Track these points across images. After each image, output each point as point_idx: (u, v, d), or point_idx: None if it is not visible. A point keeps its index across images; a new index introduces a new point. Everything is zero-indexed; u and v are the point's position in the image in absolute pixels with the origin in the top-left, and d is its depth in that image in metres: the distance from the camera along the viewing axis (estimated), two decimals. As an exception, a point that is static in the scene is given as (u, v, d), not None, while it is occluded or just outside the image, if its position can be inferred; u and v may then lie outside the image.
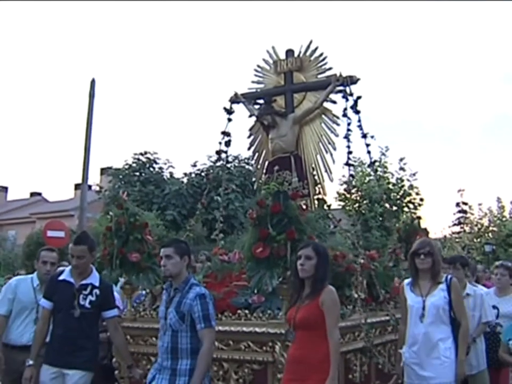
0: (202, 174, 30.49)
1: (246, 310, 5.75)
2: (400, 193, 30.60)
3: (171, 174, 33.75)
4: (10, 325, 5.79)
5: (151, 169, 33.01)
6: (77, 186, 42.24)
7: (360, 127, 7.47)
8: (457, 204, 43.09)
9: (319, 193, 7.88)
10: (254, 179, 23.33)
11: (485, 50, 72.56)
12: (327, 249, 4.76)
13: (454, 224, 43.08)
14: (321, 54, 8.09)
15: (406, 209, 30.33)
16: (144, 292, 7.83)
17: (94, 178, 37.95)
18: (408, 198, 30.81)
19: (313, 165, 7.86)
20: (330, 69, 8.00)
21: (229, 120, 8.30)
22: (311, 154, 7.89)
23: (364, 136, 7.49)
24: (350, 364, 5.94)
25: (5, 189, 54.39)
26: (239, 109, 8.35)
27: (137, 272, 6.40)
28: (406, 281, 5.41)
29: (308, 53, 8.18)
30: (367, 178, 30.29)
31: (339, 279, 6.54)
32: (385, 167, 30.77)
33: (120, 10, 79.64)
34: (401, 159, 31.15)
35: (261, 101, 8.19)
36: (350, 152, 7.44)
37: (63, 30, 76.65)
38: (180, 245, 4.86)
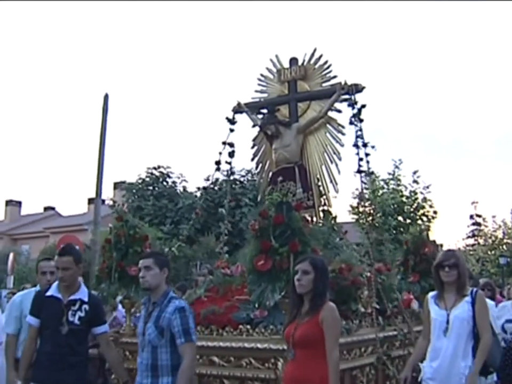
0: (216, 188, 30.47)
1: (248, 325, 5.57)
2: (414, 206, 30.37)
3: (184, 188, 33.71)
4: (22, 341, 5.55)
5: (165, 183, 33.03)
6: (90, 201, 42.47)
7: (361, 136, 7.27)
8: (471, 216, 42.82)
9: (325, 204, 7.67)
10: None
11: (500, 64, 72.22)
12: (327, 262, 4.53)
13: (468, 237, 42.81)
14: (325, 62, 7.92)
15: (419, 222, 30.08)
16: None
17: (108, 193, 38.05)
18: (421, 211, 30.53)
19: (318, 176, 7.68)
20: (335, 77, 7.84)
21: (231, 130, 8.13)
22: (316, 164, 7.70)
23: (365, 145, 7.28)
24: (356, 381, 5.72)
25: (19, 203, 54.46)
26: (243, 119, 8.18)
27: (136, 286, 6.20)
28: (431, 293, 5.16)
29: (312, 61, 8.02)
30: (380, 191, 30.06)
31: (344, 293, 6.36)
32: (399, 180, 30.62)
33: (131, 26, 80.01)
34: (414, 172, 30.93)
35: (265, 111, 8.02)
36: (361, 159, 7.23)
37: (77, 45, 77.04)
38: (160, 256, 4.69)
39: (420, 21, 75.78)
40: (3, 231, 47.91)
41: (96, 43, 76.81)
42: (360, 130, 7.27)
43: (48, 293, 5.05)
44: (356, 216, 29.08)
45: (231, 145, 8.07)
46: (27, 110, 75.97)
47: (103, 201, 27.94)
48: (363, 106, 7.39)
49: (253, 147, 8.40)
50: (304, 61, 8.06)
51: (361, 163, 7.20)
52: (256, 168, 8.40)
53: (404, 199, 30.09)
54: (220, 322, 5.80)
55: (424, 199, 30.66)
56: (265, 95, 8.36)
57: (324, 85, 7.91)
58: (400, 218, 28.39)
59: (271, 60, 8.38)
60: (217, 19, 75.25)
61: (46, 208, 53.93)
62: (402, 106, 76.48)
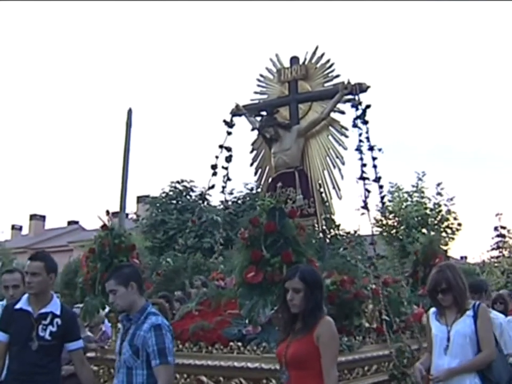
0: (239, 201, 30.31)
1: (239, 342, 5.11)
2: (438, 219, 29.96)
3: (208, 202, 33.56)
4: None
5: (188, 197, 32.91)
6: (113, 215, 42.35)
7: (367, 138, 6.82)
8: (496, 228, 42.11)
9: (328, 212, 7.22)
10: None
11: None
12: (318, 273, 4.06)
13: (493, 249, 42.11)
14: (328, 61, 7.48)
15: (444, 234, 29.72)
16: None
17: (131, 207, 38.10)
18: (446, 223, 30.12)
19: (320, 181, 7.20)
20: (338, 76, 7.39)
21: (229, 133, 7.69)
22: (318, 169, 7.24)
23: (371, 148, 6.82)
24: (359, 403, 5.28)
25: (43, 217, 54.83)
26: (243, 122, 7.76)
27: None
28: (432, 309, 4.72)
29: (313, 60, 7.59)
30: (404, 204, 29.63)
31: (347, 307, 5.94)
32: (423, 192, 30.18)
33: (150, 40, 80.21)
34: (438, 184, 30.48)
35: (264, 113, 7.58)
36: (364, 165, 6.78)
37: (102, 61, 77.29)
38: (121, 272, 4.19)
39: (442, 27, 75.15)
40: (27, 245, 48.04)
41: (120, 58, 76.99)
42: (366, 132, 6.83)
43: (17, 306, 4.62)
44: (379, 229, 29.08)
45: (228, 149, 7.63)
46: (52, 125, 76.42)
47: (127, 215, 27.95)
48: (368, 106, 6.95)
49: (252, 151, 7.96)
50: (305, 59, 7.64)
51: (364, 169, 6.75)
52: (255, 174, 7.92)
53: (427, 211, 29.58)
54: (209, 338, 5.37)
55: (448, 211, 30.25)
56: (264, 96, 7.93)
57: (326, 84, 7.47)
58: (424, 230, 27.59)
59: (271, 60, 7.96)
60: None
61: (69, 222, 54.29)
62: (423, 117, 75.79)
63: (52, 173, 78.02)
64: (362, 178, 6.72)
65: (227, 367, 4.93)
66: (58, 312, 4.58)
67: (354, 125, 6.89)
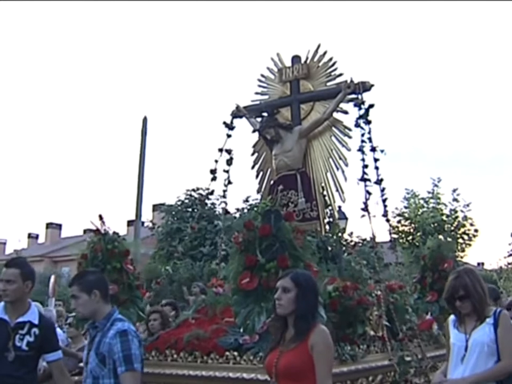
0: (255, 209, 30.16)
1: (235, 352, 4.87)
2: (454, 225, 29.74)
3: (223, 209, 33.33)
4: None
5: (204, 205, 32.84)
6: (129, 223, 42.54)
7: (370, 139, 6.57)
8: (512, 234, 41.83)
9: (330, 216, 6.96)
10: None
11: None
12: (313, 278, 3.79)
13: (510, 255, 41.91)
14: (330, 59, 7.20)
15: (460, 240, 29.48)
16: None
17: (147, 215, 38.05)
18: (462, 229, 29.93)
19: (323, 184, 6.93)
20: (340, 75, 7.12)
21: (228, 136, 7.46)
22: (320, 171, 6.96)
23: (373, 149, 6.57)
24: (362, 416, 5.05)
25: (59, 226, 54.98)
26: (244, 124, 7.52)
27: (116, 306, 5.58)
28: (452, 316, 4.43)
29: (315, 59, 7.32)
30: (420, 210, 29.51)
31: (350, 314, 5.70)
32: (439, 198, 30.05)
33: (162, 48, 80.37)
34: (454, 190, 30.34)
35: (266, 114, 7.32)
36: (365, 166, 6.54)
37: (117, 69, 77.57)
38: (85, 279, 3.98)
39: (462, 29, 74.66)
40: (44, 254, 48.17)
41: (136, 65, 77.17)
42: (369, 133, 6.58)
43: None
44: (395, 236, 28.94)
45: (229, 152, 7.39)
46: (68, 133, 76.76)
47: (143, 223, 27.94)
48: (371, 106, 6.69)
49: (253, 154, 7.71)
50: (307, 58, 7.38)
51: (366, 170, 6.49)
52: (257, 177, 7.64)
53: (444, 217, 29.59)
54: (204, 348, 5.13)
55: (465, 218, 30.19)
56: (266, 97, 7.67)
57: (328, 84, 7.20)
58: (440, 237, 27.42)
59: (272, 59, 7.70)
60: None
61: (85, 231, 54.28)
62: (439, 123, 75.22)
63: (68, 182, 78.32)
64: (363, 179, 6.47)
65: (222, 377, 4.72)
66: (36, 322, 4.36)
67: (357, 125, 6.65)
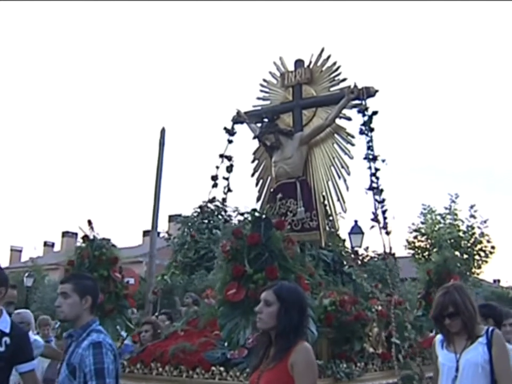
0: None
1: (222, 367, 4.60)
2: (471, 241, 29.41)
3: (239, 221, 33.17)
4: None
5: (220, 216, 32.70)
6: (145, 233, 42.58)
7: (371, 147, 6.29)
8: (529, 252, 41.28)
9: (332, 227, 6.68)
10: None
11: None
12: (301, 292, 3.49)
13: (526, 272, 41.48)
14: (334, 63, 6.95)
15: (477, 257, 29.15)
16: (130, 343, 6.75)
17: (163, 225, 37.97)
18: (479, 246, 29.56)
19: (324, 193, 6.64)
20: (344, 80, 6.86)
21: (229, 142, 7.24)
22: (322, 180, 6.68)
23: (374, 159, 6.29)
24: None
25: (75, 234, 55.03)
26: (246, 130, 7.28)
27: (101, 316, 5.34)
28: (439, 336, 4.14)
29: (319, 63, 7.07)
30: (437, 226, 29.15)
31: (347, 330, 5.42)
32: (456, 214, 29.68)
33: (180, 58, 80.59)
34: (471, 206, 30.01)
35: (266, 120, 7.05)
36: (373, 174, 6.27)
37: (135, 80, 77.86)
38: (82, 281, 3.77)
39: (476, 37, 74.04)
40: (59, 262, 48.32)
41: (155, 77, 77.50)
42: (371, 141, 6.30)
43: None
44: (411, 251, 28.72)
45: (229, 158, 7.15)
46: (84, 143, 77.06)
47: (158, 233, 27.89)
48: (374, 113, 6.43)
49: (253, 161, 7.45)
50: (310, 62, 7.13)
51: (373, 178, 6.21)
52: (257, 185, 7.37)
53: (460, 233, 29.16)
54: (190, 362, 4.88)
55: (482, 234, 29.80)
56: (267, 102, 7.43)
57: (332, 89, 6.94)
58: (457, 253, 26.85)
59: (275, 63, 7.46)
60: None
61: (101, 240, 54.55)
62: (457, 139, 74.53)
63: (84, 191, 78.59)
64: (371, 188, 6.18)
65: (207, 394, 4.47)
66: (7, 330, 4.09)
67: (361, 132, 6.38)
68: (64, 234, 53.83)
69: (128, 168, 76.67)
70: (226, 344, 4.60)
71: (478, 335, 3.88)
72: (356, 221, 16.77)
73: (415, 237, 29.26)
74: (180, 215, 33.52)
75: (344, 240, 6.23)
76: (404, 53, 74.55)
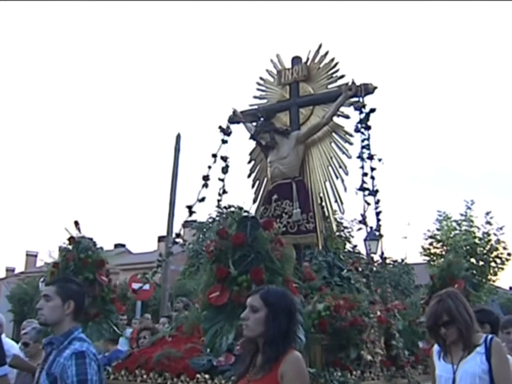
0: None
1: (207, 375, 4.37)
2: (487, 248, 29.15)
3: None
4: None
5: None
6: (160, 239, 42.57)
7: (367, 146, 6.06)
8: (546, 259, 40.91)
9: (337, 230, 6.44)
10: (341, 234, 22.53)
11: None
12: (289, 296, 3.23)
13: (543, 279, 41.04)
14: (332, 60, 6.71)
15: (493, 264, 28.87)
16: (123, 349, 6.56)
17: (178, 231, 38.00)
18: (495, 253, 29.29)
19: (322, 194, 6.40)
20: (342, 77, 6.62)
21: (224, 141, 6.98)
22: (319, 180, 6.44)
23: (371, 157, 6.05)
24: None
25: (90, 239, 55.40)
26: (242, 130, 7.06)
27: (85, 320, 5.15)
28: (436, 346, 3.90)
29: (316, 60, 6.84)
30: (453, 233, 28.93)
31: (341, 336, 5.18)
32: (471, 221, 29.41)
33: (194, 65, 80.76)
34: (487, 213, 29.75)
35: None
36: (365, 174, 6.05)
37: (151, 86, 78.03)
38: (68, 285, 3.60)
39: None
40: (74, 267, 48.75)
41: (170, 83, 77.62)
42: (367, 139, 6.07)
43: None
44: (427, 258, 28.53)
45: (224, 159, 6.91)
46: (100, 148, 77.38)
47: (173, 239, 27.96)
48: (372, 110, 6.19)
49: (249, 162, 7.24)
50: (307, 59, 6.90)
51: (365, 179, 5.98)
52: (253, 186, 7.15)
53: (476, 240, 28.90)
54: (174, 369, 4.65)
55: (498, 241, 29.54)
56: (264, 101, 7.21)
57: (330, 86, 6.70)
58: (472, 260, 27.17)
59: (272, 61, 7.25)
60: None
61: (116, 245, 54.72)
62: (472, 143, 73.86)
63: (99, 196, 78.84)
64: (362, 189, 5.94)
65: (190, 402, 4.27)
66: None
67: (357, 130, 6.14)
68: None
69: (143, 174, 76.77)
70: (208, 350, 4.36)
71: (476, 344, 3.65)
72: (371, 227, 16.57)
73: (431, 244, 29.08)
74: (194, 221, 33.56)
75: (344, 244, 5.97)
76: (415, 51, 74.00)
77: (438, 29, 72.14)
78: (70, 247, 5.44)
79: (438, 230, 29.32)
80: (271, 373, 2.93)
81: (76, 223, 5.54)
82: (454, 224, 28.94)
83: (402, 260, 28.80)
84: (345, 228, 23.88)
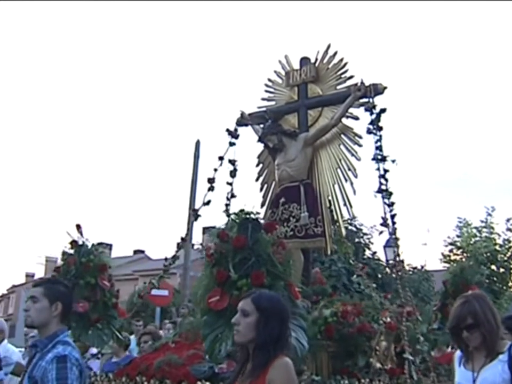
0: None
1: (208, 382, 4.28)
2: (508, 255, 28.85)
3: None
4: None
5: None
6: (179, 245, 42.55)
7: (379, 147, 5.88)
8: None
9: (338, 233, 6.28)
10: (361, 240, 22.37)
11: None
12: (281, 301, 3.08)
13: None
14: (341, 60, 6.58)
15: None
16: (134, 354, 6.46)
17: (197, 237, 37.97)
18: None
19: (330, 197, 6.24)
20: (351, 77, 6.49)
21: (231, 144, 6.86)
22: (328, 183, 6.29)
23: (383, 159, 5.87)
24: None
25: (110, 246, 55.61)
26: (250, 132, 6.94)
27: (86, 326, 5.06)
28: (458, 352, 3.70)
29: (325, 60, 6.71)
30: (473, 239, 28.66)
31: (349, 343, 5.02)
32: (492, 227, 29.10)
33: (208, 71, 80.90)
34: (508, 220, 29.44)
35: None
36: (382, 176, 5.86)
37: (170, 93, 78.35)
38: (55, 286, 3.48)
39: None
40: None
41: (189, 90, 77.91)
42: (379, 140, 5.90)
43: None
44: (447, 265, 28.35)
45: (232, 162, 6.78)
46: (120, 154, 77.76)
47: (192, 245, 27.84)
48: (382, 110, 6.01)
49: (258, 165, 7.11)
50: (316, 60, 6.77)
51: (382, 180, 5.79)
52: (261, 190, 7.02)
53: (497, 247, 28.63)
54: (175, 376, 4.54)
55: None
56: (272, 103, 7.08)
57: (338, 87, 6.57)
58: (493, 267, 27.11)
59: (280, 62, 7.12)
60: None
61: (135, 251, 54.95)
62: (493, 148, 72.94)
63: (119, 202, 79.21)
64: (380, 191, 5.75)
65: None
66: None
67: (369, 131, 5.96)
68: (99, 245, 54.44)
69: (163, 179, 76.97)
70: (207, 356, 4.23)
71: (500, 351, 3.45)
72: (394, 228, 16.32)
73: (451, 251, 28.84)
74: (214, 227, 33.45)
75: (354, 249, 5.82)
76: (438, 53, 73.33)
77: (461, 29, 71.59)
78: (72, 251, 5.31)
79: (458, 236, 29.11)
80: (258, 380, 2.79)
81: (78, 226, 5.44)
82: (474, 230, 28.69)
83: (422, 267, 28.54)
84: (365, 234, 23.64)
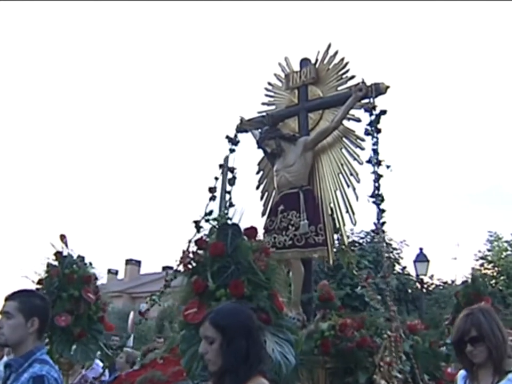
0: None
1: (191, 401, 3.94)
2: None
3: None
4: None
5: None
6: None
7: (376, 151, 5.57)
8: None
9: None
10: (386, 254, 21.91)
11: None
12: (243, 313, 2.73)
13: None
14: (341, 60, 6.28)
15: None
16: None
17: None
18: None
19: (332, 204, 5.91)
20: (352, 77, 6.19)
21: (231, 151, 6.62)
22: (329, 190, 5.97)
23: (378, 163, 5.55)
24: None
25: (139, 262, 56.23)
26: (250, 139, 6.68)
27: (69, 340, 4.80)
28: (462, 371, 3.34)
29: (325, 61, 6.42)
30: (504, 253, 28.08)
31: (348, 359, 4.68)
32: None
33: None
34: None
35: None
36: (377, 179, 5.55)
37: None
38: (30, 300, 3.16)
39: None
40: (123, 289, 49.06)
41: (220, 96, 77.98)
42: (376, 144, 5.60)
43: None
44: None
45: (231, 170, 6.51)
46: (147, 171, 78.10)
47: None
48: (382, 112, 5.71)
49: (258, 172, 6.82)
50: (316, 60, 6.47)
51: (376, 185, 5.49)
52: (261, 198, 6.73)
53: None
54: (158, 395, 4.23)
55: None
56: (272, 107, 6.80)
57: (339, 88, 6.26)
58: None
59: (280, 64, 6.84)
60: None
61: (164, 268, 55.02)
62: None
63: (148, 219, 79.49)
64: (374, 196, 5.43)
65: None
66: None
67: (367, 133, 5.66)
68: (128, 262, 54.73)
69: (191, 196, 76.99)
70: (185, 374, 3.92)
71: (508, 370, 3.08)
72: (421, 249, 15.83)
73: (482, 265, 28.17)
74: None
75: (358, 259, 5.49)
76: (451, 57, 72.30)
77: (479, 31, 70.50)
78: (56, 262, 5.07)
79: (489, 250, 28.71)
80: None
81: (62, 236, 5.19)
82: (505, 244, 28.18)
83: (452, 281, 28.03)
84: (394, 249, 23.22)
